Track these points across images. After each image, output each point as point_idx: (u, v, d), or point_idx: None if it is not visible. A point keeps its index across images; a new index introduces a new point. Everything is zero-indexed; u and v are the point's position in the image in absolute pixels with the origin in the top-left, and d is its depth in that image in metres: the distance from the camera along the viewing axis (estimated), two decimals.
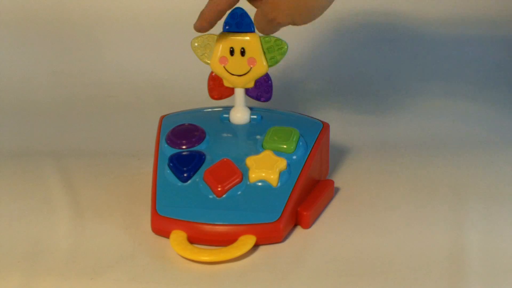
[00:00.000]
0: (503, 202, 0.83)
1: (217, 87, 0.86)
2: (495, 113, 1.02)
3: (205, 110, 0.89)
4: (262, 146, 0.82)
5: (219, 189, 0.78)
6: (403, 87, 1.07)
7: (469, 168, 0.90)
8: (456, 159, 0.92)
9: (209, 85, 0.87)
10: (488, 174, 0.88)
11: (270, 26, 0.81)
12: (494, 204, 0.83)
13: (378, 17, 1.12)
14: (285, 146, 0.82)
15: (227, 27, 0.84)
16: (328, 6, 0.78)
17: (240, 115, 0.87)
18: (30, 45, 1.10)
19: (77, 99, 1.05)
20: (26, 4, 1.11)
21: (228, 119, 0.87)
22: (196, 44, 0.85)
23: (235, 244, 0.75)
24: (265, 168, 0.79)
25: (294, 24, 0.80)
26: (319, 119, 0.88)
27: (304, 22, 0.79)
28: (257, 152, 0.82)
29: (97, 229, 0.79)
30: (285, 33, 0.86)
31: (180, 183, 0.79)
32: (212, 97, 0.87)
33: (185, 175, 0.80)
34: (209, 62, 0.85)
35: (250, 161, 0.80)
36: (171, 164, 0.80)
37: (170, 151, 0.82)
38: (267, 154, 0.81)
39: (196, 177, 0.80)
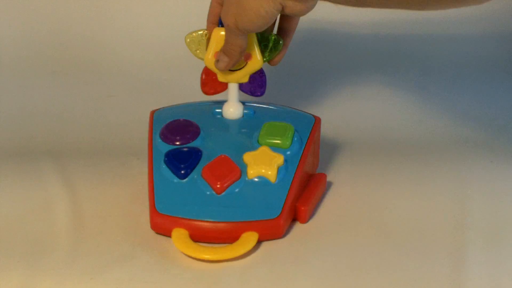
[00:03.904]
0: (502, 202, 0.83)
1: (210, 82, 0.86)
2: (495, 113, 1.02)
3: (196, 105, 0.89)
4: (258, 142, 0.82)
5: (218, 186, 0.78)
6: (400, 84, 1.07)
7: (468, 167, 0.90)
8: (453, 156, 0.92)
9: (202, 79, 0.86)
10: (488, 174, 0.88)
11: (227, 33, 0.81)
12: (493, 203, 0.83)
13: (376, 16, 1.12)
14: (281, 142, 0.82)
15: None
16: (271, 17, 0.78)
17: (233, 110, 0.86)
18: (30, 44, 1.10)
19: (77, 99, 1.04)
20: (26, 4, 1.11)
21: (220, 114, 0.87)
22: (188, 40, 0.85)
23: (238, 242, 0.75)
24: (263, 164, 0.79)
25: (237, 27, 0.79)
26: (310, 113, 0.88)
27: (245, 26, 0.78)
28: (253, 148, 0.81)
29: (97, 229, 0.78)
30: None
31: (177, 180, 0.79)
32: (205, 92, 0.87)
33: (182, 172, 0.79)
34: (203, 57, 0.85)
35: (248, 157, 0.80)
36: (167, 161, 0.80)
37: (165, 147, 0.82)
38: (264, 150, 0.80)
39: (194, 174, 0.79)
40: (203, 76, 0.86)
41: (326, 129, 0.93)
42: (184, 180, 0.79)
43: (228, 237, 0.75)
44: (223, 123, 0.86)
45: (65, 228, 0.79)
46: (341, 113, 1.01)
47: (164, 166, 0.80)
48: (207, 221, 0.76)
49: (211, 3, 0.85)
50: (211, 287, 0.71)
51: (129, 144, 0.95)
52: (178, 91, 1.06)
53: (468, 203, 0.82)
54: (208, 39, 0.84)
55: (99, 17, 1.11)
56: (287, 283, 0.72)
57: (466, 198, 0.83)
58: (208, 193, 0.78)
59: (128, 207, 0.82)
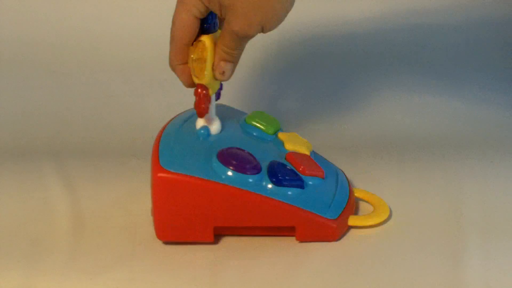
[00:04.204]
0: (502, 202, 0.83)
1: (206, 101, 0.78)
2: (495, 113, 1.02)
3: (177, 130, 0.81)
4: (267, 133, 0.82)
5: (322, 174, 0.79)
6: (398, 83, 1.07)
7: (468, 167, 0.90)
8: (452, 156, 0.92)
9: (203, 102, 0.77)
10: (488, 174, 0.89)
11: (237, 42, 0.76)
12: (493, 203, 0.83)
13: (372, 17, 1.12)
14: (279, 125, 0.84)
15: (205, 25, 0.78)
16: (291, 8, 0.76)
17: (219, 124, 0.80)
18: (30, 44, 1.10)
19: (77, 99, 1.05)
20: (26, 4, 1.11)
21: (208, 134, 0.79)
22: (193, 57, 0.78)
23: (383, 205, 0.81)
24: (301, 144, 0.81)
25: (262, 31, 0.75)
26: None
27: (272, 27, 0.75)
28: (276, 138, 0.82)
29: (97, 229, 0.79)
30: None
31: (300, 190, 0.76)
32: (202, 114, 0.78)
33: (301, 182, 0.77)
34: (202, 76, 0.77)
35: (289, 145, 0.81)
36: (284, 181, 0.75)
37: (241, 177, 0.75)
38: (285, 134, 0.83)
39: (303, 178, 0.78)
40: (205, 100, 0.77)
41: (322, 129, 0.93)
42: (305, 189, 0.77)
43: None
44: (223, 140, 0.79)
45: (65, 228, 0.79)
46: (336, 113, 1.01)
47: (281, 188, 0.75)
48: (349, 201, 0.80)
49: (182, 22, 0.80)
50: (211, 287, 0.71)
51: (129, 144, 0.95)
52: (178, 91, 1.06)
53: (468, 203, 0.82)
54: (201, 55, 0.77)
55: (99, 17, 1.11)
56: (286, 282, 0.72)
57: (466, 198, 0.84)
58: (320, 183, 0.78)
59: (128, 207, 0.82)
